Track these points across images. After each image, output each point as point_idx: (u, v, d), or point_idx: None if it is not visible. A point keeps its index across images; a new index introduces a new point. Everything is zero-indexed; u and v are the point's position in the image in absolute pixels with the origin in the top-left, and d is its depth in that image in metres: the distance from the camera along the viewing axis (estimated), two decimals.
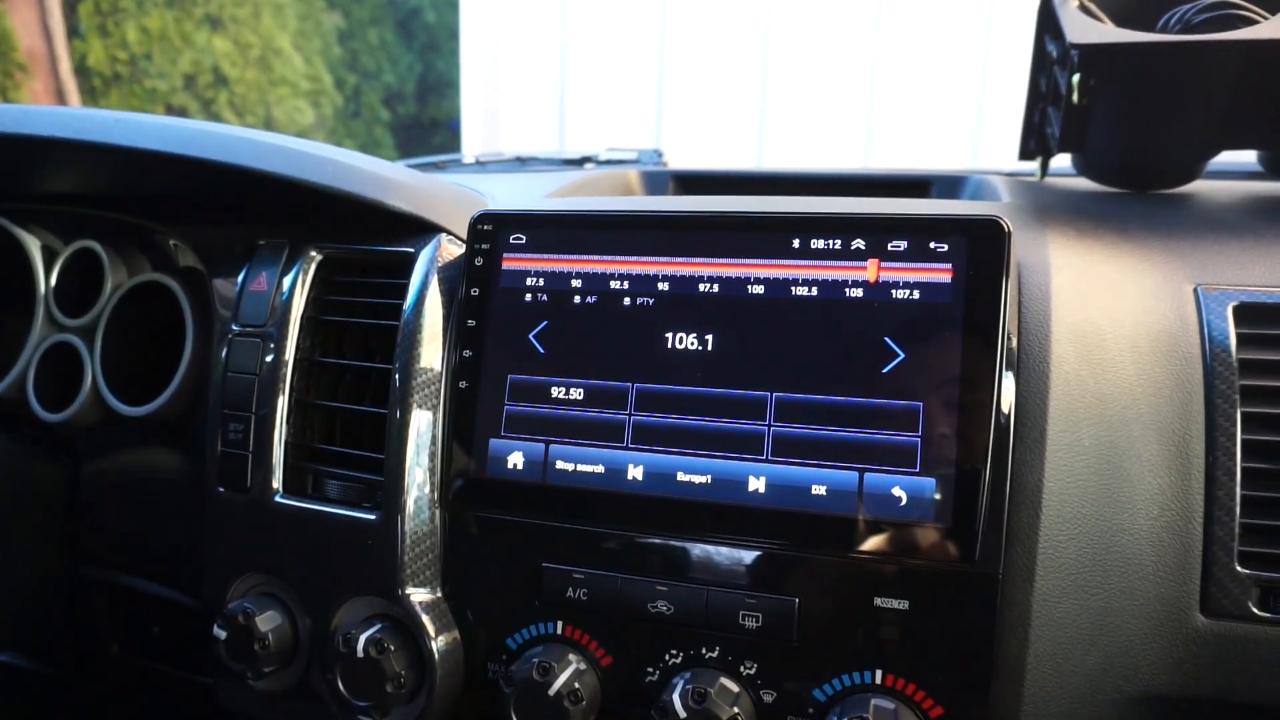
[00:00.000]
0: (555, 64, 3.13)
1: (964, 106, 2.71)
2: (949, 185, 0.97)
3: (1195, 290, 0.60)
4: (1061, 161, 0.88)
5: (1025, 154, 0.91)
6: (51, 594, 0.88)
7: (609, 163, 1.30)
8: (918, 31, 2.72)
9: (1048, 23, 0.82)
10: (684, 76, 2.95)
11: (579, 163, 1.33)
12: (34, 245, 0.85)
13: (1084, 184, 0.82)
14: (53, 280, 0.84)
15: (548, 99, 3.17)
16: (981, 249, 0.56)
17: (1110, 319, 0.59)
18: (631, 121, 3.03)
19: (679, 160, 1.41)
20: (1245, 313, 0.58)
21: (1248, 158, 0.85)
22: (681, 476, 0.59)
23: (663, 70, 2.96)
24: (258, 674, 0.67)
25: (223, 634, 0.67)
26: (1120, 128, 0.75)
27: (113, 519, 0.87)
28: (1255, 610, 0.53)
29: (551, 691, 0.57)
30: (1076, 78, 0.71)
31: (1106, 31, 0.71)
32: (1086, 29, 0.71)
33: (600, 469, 0.61)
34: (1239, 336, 0.57)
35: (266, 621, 0.66)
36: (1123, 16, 0.74)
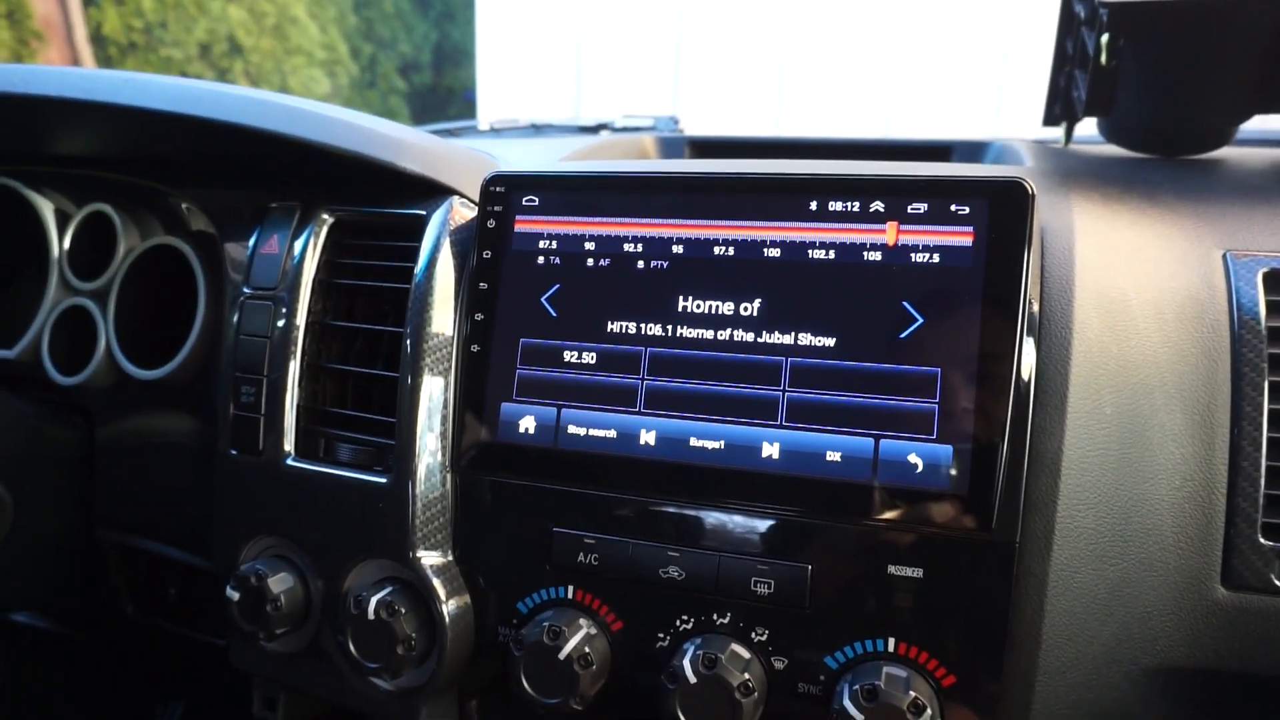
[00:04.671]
0: (572, 33, 3.10)
1: (986, 75, 2.67)
2: (970, 151, 0.95)
3: (1224, 256, 0.58)
4: (1086, 129, 0.85)
5: (1050, 119, 0.89)
6: (67, 555, 0.89)
7: (624, 129, 1.29)
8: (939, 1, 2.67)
9: None
10: (701, 45, 2.91)
11: (594, 129, 1.31)
12: (47, 208, 0.85)
13: (1110, 150, 0.80)
14: (66, 244, 0.84)
15: (564, 68, 3.14)
16: (1004, 212, 0.54)
17: (1135, 285, 0.57)
18: (648, 91, 3.01)
19: (696, 128, 1.39)
20: (1275, 280, 0.57)
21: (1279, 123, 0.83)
22: (694, 442, 0.58)
23: (680, 39, 2.92)
24: (270, 635, 0.67)
25: (235, 595, 0.67)
26: (1149, 91, 0.73)
27: (127, 481, 0.87)
28: (1278, 583, 0.52)
29: (561, 655, 0.57)
30: (1105, 38, 0.69)
31: None
32: None
33: (612, 434, 0.60)
34: (1269, 304, 0.56)
35: (279, 583, 0.67)
36: None
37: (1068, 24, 0.82)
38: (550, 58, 3.15)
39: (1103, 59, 0.70)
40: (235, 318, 0.73)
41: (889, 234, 0.57)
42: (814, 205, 0.58)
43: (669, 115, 1.36)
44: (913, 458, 0.54)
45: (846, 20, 2.74)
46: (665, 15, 2.94)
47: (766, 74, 2.84)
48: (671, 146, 1.09)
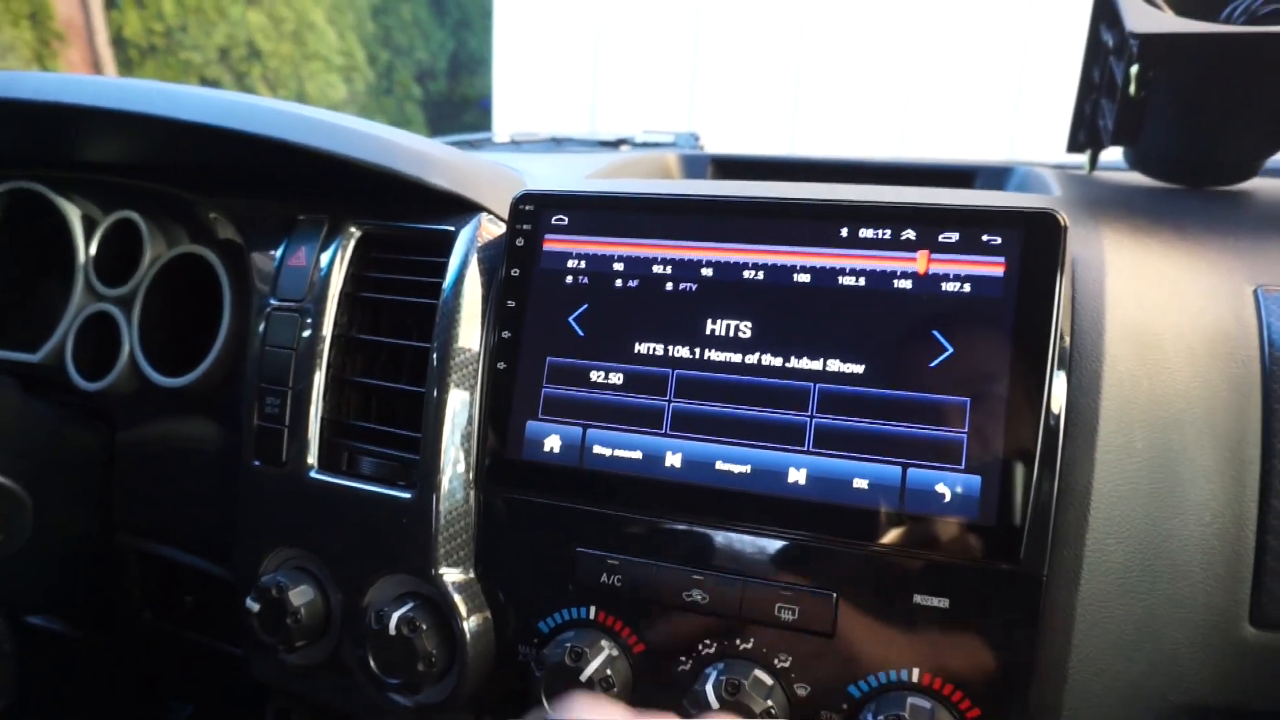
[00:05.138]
0: (588, 43, 3.12)
1: (1001, 95, 2.67)
2: (994, 176, 0.95)
3: (1255, 292, 0.58)
4: (1108, 155, 0.85)
5: (1074, 146, 0.89)
6: (86, 559, 0.89)
7: (645, 145, 1.29)
8: (955, 18, 2.68)
9: (1104, 11, 0.80)
10: (717, 58, 2.92)
11: (615, 144, 1.32)
12: (74, 214, 0.85)
13: (1136, 178, 0.80)
14: (92, 250, 0.85)
15: (579, 78, 3.15)
16: (1036, 243, 0.54)
17: (1166, 319, 0.57)
18: (663, 102, 3.01)
19: (712, 143, 1.39)
20: None
21: None
22: (720, 465, 0.58)
23: (696, 51, 2.93)
24: (289, 647, 0.67)
25: (255, 607, 0.67)
26: (1178, 121, 0.73)
27: (146, 487, 0.87)
28: None
29: (583, 677, 0.57)
30: (1135, 69, 0.69)
31: (1168, 21, 0.69)
32: (1147, 18, 0.69)
33: (638, 455, 0.60)
34: None
35: (299, 596, 0.67)
36: (1183, 6, 0.72)
37: (1094, 53, 0.82)
38: (566, 68, 3.17)
39: (1131, 90, 0.70)
40: (261, 328, 0.73)
41: (920, 262, 0.57)
42: (845, 232, 0.58)
43: (689, 132, 1.36)
44: (940, 487, 0.54)
45: (864, 35, 2.75)
46: (682, 26, 2.95)
47: (782, 85, 2.84)
48: (694, 165, 1.10)
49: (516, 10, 3.25)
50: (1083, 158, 0.87)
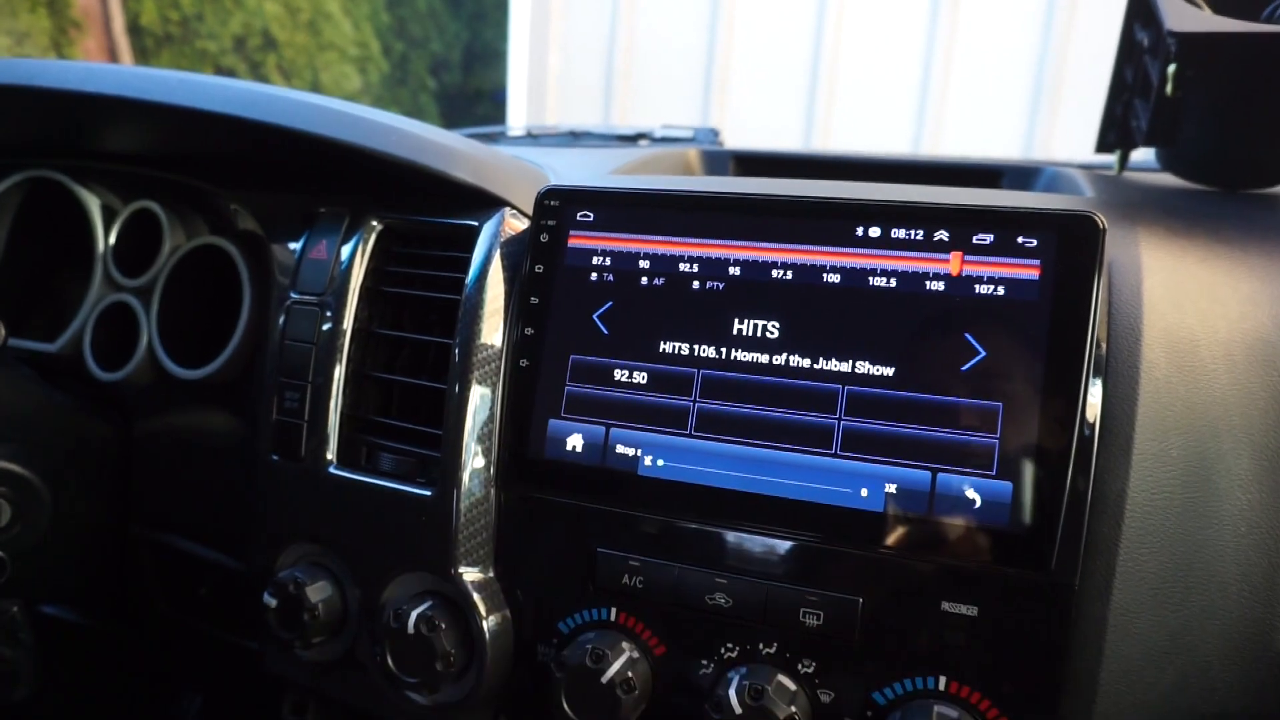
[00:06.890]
0: (603, 37, 3.10)
1: (1020, 93, 2.65)
2: (1021, 175, 0.94)
3: None
4: (1137, 155, 0.84)
5: (1103, 147, 0.88)
6: (102, 551, 0.89)
7: (665, 140, 1.28)
8: (976, 16, 2.65)
9: (1138, 9, 0.78)
10: (734, 52, 2.91)
11: (633, 139, 1.31)
12: (94, 204, 0.85)
13: (1168, 180, 0.79)
14: (112, 240, 0.84)
15: (594, 71, 3.14)
16: (1073, 246, 0.53)
17: (1204, 325, 0.56)
18: (679, 97, 3.00)
19: (731, 136, 1.38)
20: None
21: None
22: None
23: (713, 45, 2.92)
24: (306, 643, 0.67)
25: (273, 602, 0.67)
26: (1215, 122, 0.71)
27: (163, 479, 0.87)
28: None
29: (604, 679, 0.56)
30: (1172, 68, 0.68)
31: (1207, 20, 0.67)
32: (1185, 16, 0.68)
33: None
34: None
35: (317, 592, 0.66)
36: (1222, 5, 0.70)
37: (1128, 52, 0.80)
38: (581, 61, 3.15)
39: (1168, 89, 0.69)
40: (281, 322, 0.73)
41: (953, 264, 0.55)
42: (876, 232, 0.57)
43: (709, 127, 1.35)
44: (970, 492, 0.53)
45: (881, 32, 2.73)
46: (699, 19, 2.94)
47: (798, 84, 2.82)
48: (715, 160, 1.08)
49: (531, 2, 3.24)
50: (1110, 158, 0.86)
